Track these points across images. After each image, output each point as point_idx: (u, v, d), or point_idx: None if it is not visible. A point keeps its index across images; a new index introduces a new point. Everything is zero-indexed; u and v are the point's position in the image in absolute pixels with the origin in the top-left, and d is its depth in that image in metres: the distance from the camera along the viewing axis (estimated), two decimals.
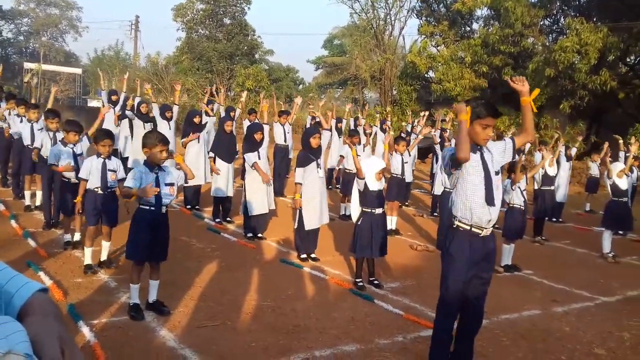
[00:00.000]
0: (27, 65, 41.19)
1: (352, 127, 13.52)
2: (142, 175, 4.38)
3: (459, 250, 3.46)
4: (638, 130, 15.15)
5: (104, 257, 5.67)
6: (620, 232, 8.86)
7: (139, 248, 4.38)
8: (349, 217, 9.55)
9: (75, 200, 5.75)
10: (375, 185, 5.71)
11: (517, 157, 5.55)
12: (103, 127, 8.00)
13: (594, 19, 18.73)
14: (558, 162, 10.19)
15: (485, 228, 3.45)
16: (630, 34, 16.04)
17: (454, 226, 3.51)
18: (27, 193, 8.27)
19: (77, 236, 6.37)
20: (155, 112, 9.99)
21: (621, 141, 10.45)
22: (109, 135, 5.59)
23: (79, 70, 45.17)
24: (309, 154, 6.67)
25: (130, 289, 4.53)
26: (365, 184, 5.68)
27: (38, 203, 8.15)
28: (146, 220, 4.39)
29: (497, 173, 3.52)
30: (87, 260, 5.52)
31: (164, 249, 4.56)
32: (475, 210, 3.41)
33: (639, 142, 9.53)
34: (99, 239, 5.79)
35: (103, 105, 11.18)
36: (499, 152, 3.59)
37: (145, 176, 4.38)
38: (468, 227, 3.45)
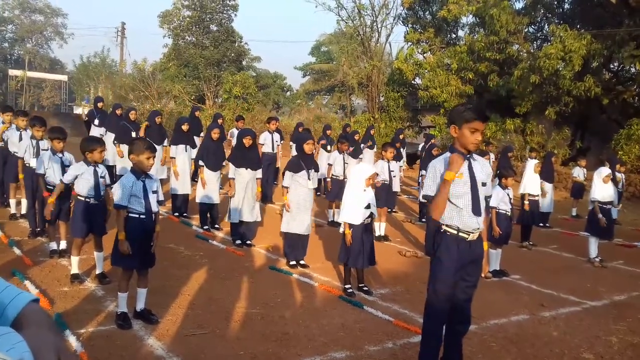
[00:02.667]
0: (12, 72, 40.86)
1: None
2: (131, 185, 4.35)
3: (446, 254, 3.48)
4: (622, 136, 15.33)
5: (99, 269, 5.54)
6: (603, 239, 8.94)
7: (128, 256, 4.33)
8: (337, 223, 9.59)
9: (49, 201, 5.67)
10: (367, 192, 5.69)
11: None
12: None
13: (578, 26, 18.99)
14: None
15: (472, 232, 3.47)
16: (613, 41, 16.27)
17: (442, 230, 3.52)
18: (12, 201, 8.17)
19: (62, 244, 6.29)
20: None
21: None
22: (101, 142, 5.54)
23: (64, 77, 44.86)
24: (301, 161, 6.66)
25: (118, 298, 4.48)
26: (355, 195, 5.67)
27: (24, 211, 8.04)
28: (136, 228, 4.35)
29: (483, 184, 3.53)
30: (74, 269, 5.45)
31: (152, 256, 4.52)
32: (462, 216, 3.43)
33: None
34: (87, 247, 5.72)
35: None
36: (480, 166, 3.57)
37: (134, 185, 4.35)
38: (455, 232, 3.46)
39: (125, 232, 4.38)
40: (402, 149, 13.67)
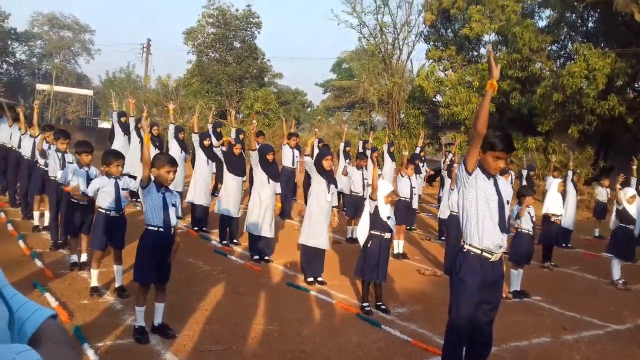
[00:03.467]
0: (40, 86, 41.86)
1: (360, 149, 13.57)
2: (150, 192, 4.40)
3: (470, 274, 3.42)
4: None
5: (118, 283, 5.58)
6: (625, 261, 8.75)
7: (147, 270, 4.36)
8: (356, 240, 9.54)
9: (72, 187, 5.79)
10: (386, 209, 5.69)
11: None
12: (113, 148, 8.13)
13: (602, 45, 18.80)
14: (565, 189, 10.11)
15: (495, 253, 3.43)
16: (638, 60, 16.06)
17: (465, 250, 3.48)
18: (35, 213, 8.31)
19: (83, 257, 6.36)
20: (170, 132, 10.20)
21: (635, 166, 10.31)
22: (119, 155, 5.61)
23: (90, 92, 45.82)
24: (321, 175, 6.71)
25: (135, 312, 4.50)
26: (376, 207, 5.67)
27: (46, 223, 8.16)
28: (154, 242, 4.39)
29: (507, 202, 3.52)
30: (94, 282, 5.50)
31: (167, 271, 4.55)
32: (487, 235, 3.39)
33: None
34: (107, 261, 5.78)
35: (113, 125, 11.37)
36: (504, 183, 3.59)
37: (152, 194, 4.40)
38: (479, 251, 3.42)
39: (142, 245, 4.43)
40: (420, 165, 13.59)
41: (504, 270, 3.60)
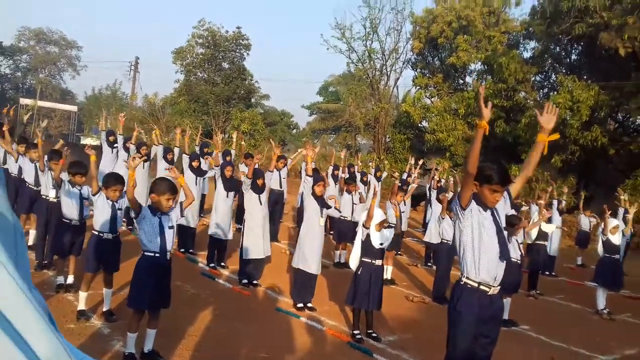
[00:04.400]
0: (23, 101, 41.41)
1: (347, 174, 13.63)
2: (144, 218, 4.35)
3: (467, 308, 3.42)
4: (628, 187, 15.34)
5: (106, 306, 5.49)
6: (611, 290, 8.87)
7: (143, 296, 4.31)
8: (344, 264, 9.55)
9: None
10: (377, 236, 5.72)
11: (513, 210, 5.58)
12: (113, 170, 8.11)
13: (585, 77, 19.26)
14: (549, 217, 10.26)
15: (493, 286, 3.45)
16: (621, 93, 16.48)
17: (462, 283, 3.49)
18: None
19: (70, 279, 6.26)
20: (159, 153, 10.14)
21: (623, 197, 10.51)
22: (119, 180, 5.52)
23: (74, 108, 45.39)
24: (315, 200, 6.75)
25: (126, 337, 4.43)
26: (368, 235, 5.70)
27: (30, 242, 8.02)
28: (151, 267, 4.34)
29: (505, 229, 3.55)
30: (81, 305, 5.41)
31: (167, 296, 4.50)
32: (484, 267, 3.40)
33: (633, 204, 9.67)
34: (94, 283, 5.69)
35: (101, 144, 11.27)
36: (501, 208, 3.62)
37: (147, 219, 4.35)
38: (476, 285, 3.43)
39: (139, 271, 4.38)
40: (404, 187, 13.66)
41: (502, 304, 3.62)
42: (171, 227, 4.45)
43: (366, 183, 11.91)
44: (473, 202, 3.45)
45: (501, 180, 3.42)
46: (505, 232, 3.52)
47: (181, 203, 4.62)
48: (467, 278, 3.45)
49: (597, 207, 16.53)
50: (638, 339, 6.87)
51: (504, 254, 3.43)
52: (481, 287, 3.42)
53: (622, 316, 8.05)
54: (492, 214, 3.47)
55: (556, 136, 3.56)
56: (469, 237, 3.44)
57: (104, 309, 5.51)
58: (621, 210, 10.19)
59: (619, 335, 6.94)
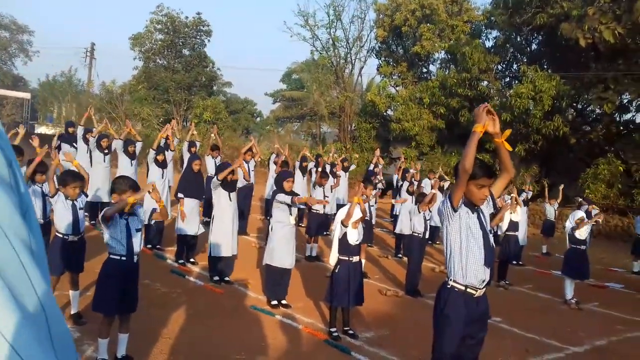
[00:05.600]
0: None
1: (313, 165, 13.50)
2: (112, 220, 4.13)
3: (454, 311, 3.36)
4: (589, 175, 15.77)
5: (74, 309, 5.24)
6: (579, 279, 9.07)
7: (110, 300, 4.10)
8: (315, 257, 9.46)
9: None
10: (354, 234, 5.63)
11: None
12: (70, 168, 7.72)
13: (545, 67, 19.64)
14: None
15: (480, 288, 3.40)
16: (581, 83, 16.86)
17: (449, 286, 3.43)
18: None
19: None
20: (119, 146, 9.74)
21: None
22: (77, 176, 5.27)
23: (27, 95, 43.69)
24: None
25: (98, 343, 4.22)
26: (345, 233, 5.59)
27: None
28: (117, 271, 4.13)
29: (490, 232, 3.49)
30: None
31: (134, 300, 4.30)
32: (471, 271, 3.34)
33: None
34: (60, 284, 5.41)
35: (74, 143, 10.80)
36: (486, 210, 3.57)
37: (115, 221, 4.13)
38: (463, 288, 3.38)
39: (105, 274, 4.17)
40: (377, 182, 13.66)
41: (488, 304, 3.57)
42: (139, 230, 4.24)
43: (336, 175, 11.79)
44: (462, 204, 3.38)
45: (486, 173, 3.37)
46: (491, 236, 3.47)
47: (152, 211, 4.44)
48: (454, 281, 3.38)
49: (559, 195, 17.00)
50: (606, 329, 7.02)
51: (488, 260, 3.37)
52: (468, 290, 3.37)
53: (589, 305, 8.24)
54: (479, 217, 3.41)
55: (508, 132, 3.47)
56: (457, 240, 3.37)
57: (72, 312, 5.26)
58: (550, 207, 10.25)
59: (588, 326, 7.08)
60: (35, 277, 0.59)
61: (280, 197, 6.39)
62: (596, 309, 8.16)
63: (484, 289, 3.45)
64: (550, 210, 12.91)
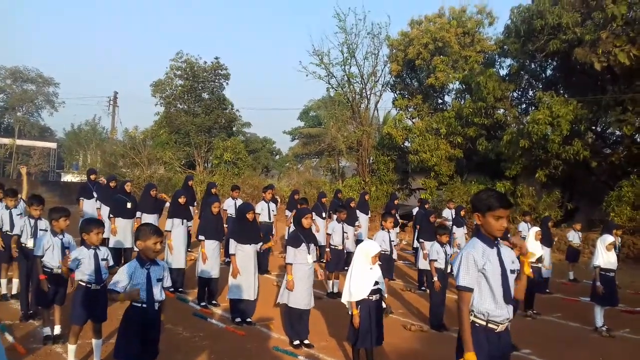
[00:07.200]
0: (1, 140, 40.89)
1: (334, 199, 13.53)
2: (133, 271, 4.21)
3: (478, 347, 3.29)
4: (612, 198, 15.47)
5: (97, 358, 5.27)
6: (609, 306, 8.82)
7: (131, 348, 4.13)
8: (337, 294, 9.39)
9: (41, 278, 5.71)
10: (372, 271, 5.59)
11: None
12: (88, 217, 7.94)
13: (561, 91, 19.57)
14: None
15: (501, 324, 3.35)
16: (599, 106, 16.74)
17: (470, 321, 3.38)
18: (2, 281, 7.88)
19: (57, 329, 6.02)
20: None
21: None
22: (99, 223, 5.40)
23: (53, 145, 45.00)
24: (300, 235, 6.60)
25: None
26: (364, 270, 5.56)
27: (14, 291, 7.76)
28: (138, 318, 4.17)
29: (512, 271, 3.43)
30: (71, 358, 5.18)
31: (155, 348, 4.32)
32: (492, 308, 3.31)
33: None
34: (83, 332, 5.47)
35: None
36: (507, 250, 3.51)
37: (136, 273, 4.20)
38: (484, 323, 3.34)
39: (126, 323, 4.21)
40: (396, 215, 13.62)
41: (510, 339, 3.51)
42: (159, 280, 4.29)
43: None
44: (481, 256, 3.35)
45: (503, 204, 3.36)
46: (512, 275, 3.41)
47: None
48: (475, 317, 3.35)
49: (583, 218, 16.72)
50: (639, 356, 6.80)
51: (507, 297, 3.33)
52: (489, 325, 3.33)
53: (621, 332, 7.99)
54: (498, 252, 3.38)
55: (531, 255, 3.59)
56: (474, 277, 3.34)
57: None
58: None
59: (620, 354, 6.87)
60: None
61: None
62: (628, 335, 7.91)
63: (507, 324, 3.40)
64: (575, 235, 12.67)
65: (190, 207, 10.94)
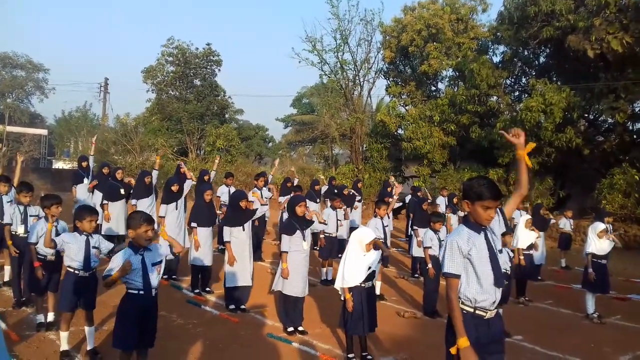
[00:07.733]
0: None
1: (327, 186, 13.51)
2: (127, 258, 4.17)
3: (467, 335, 3.29)
4: (605, 185, 15.55)
5: (90, 345, 5.25)
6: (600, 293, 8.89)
7: (128, 336, 4.11)
8: (330, 281, 9.41)
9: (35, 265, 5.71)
10: (365, 258, 5.58)
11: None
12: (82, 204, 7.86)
13: (554, 79, 19.56)
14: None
15: (490, 310, 3.35)
16: (592, 94, 16.76)
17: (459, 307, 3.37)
18: None
19: (50, 316, 6.00)
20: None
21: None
22: (92, 211, 5.36)
23: (44, 131, 44.52)
24: (294, 222, 6.58)
25: None
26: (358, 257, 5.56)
27: (6, 278, 7.72)
28: (135, 305, 4.15)
29: (500, 251, 3.45)
30: (64, 346, 5.16)
31: (152, 335, 4.31)
32: (480, 293, 3.30)
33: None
34: (76, 319, 5.46)
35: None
36: (497, 229, 3.53)
37: (131, 259, 4.17)
38: (472, 310, 3.33)
39: (123, 310, 4.19)
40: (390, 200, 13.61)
41: (502, 324, 3.51)
42: (155, 264, 4.26)
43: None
44: (468, 242, 3.33)
45: (493, 195, 3.34)
46: (501, 255, 3.42)
47: (170, 246, 4.47)
48: (462, 304, 3.34)
49: (575, 206, 16.79)
50: (630, 343, 6.87)
51: (498, 281, 3.33)
52: (477, 312, 3.32)
53: (612, 319, 8.07)
54: (486, 237, 3.37)
55: (532, 145, 3.55)
56: (460, 263, 3.33)
57: (88, 348, 5.28)
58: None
59: (611, 341, 6.92)
60: None
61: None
62: (619, 322, 7.99)
63: (495, 310, 3.39)
64: (566, 223, 12.74)
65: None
